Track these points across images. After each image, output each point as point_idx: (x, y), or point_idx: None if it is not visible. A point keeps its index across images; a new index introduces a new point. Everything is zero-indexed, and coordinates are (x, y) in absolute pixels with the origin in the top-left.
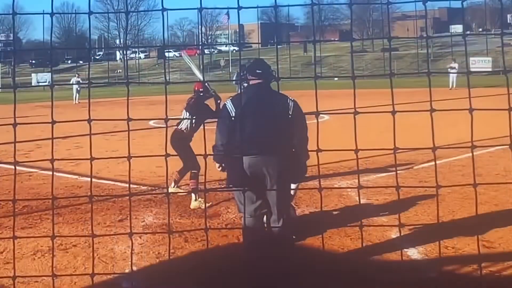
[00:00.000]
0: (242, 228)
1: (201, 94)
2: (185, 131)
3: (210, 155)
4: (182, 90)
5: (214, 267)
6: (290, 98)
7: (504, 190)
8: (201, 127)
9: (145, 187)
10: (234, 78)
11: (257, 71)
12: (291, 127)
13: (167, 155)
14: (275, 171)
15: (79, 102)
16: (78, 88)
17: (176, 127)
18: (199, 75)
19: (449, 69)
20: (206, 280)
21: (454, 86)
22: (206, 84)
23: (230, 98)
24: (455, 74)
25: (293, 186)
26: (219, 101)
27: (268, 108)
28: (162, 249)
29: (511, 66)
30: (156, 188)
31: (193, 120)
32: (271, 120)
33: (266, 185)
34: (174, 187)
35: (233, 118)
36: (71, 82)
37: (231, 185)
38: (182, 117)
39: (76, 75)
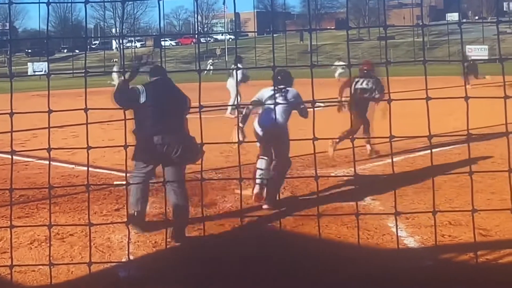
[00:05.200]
0: (130, 187)
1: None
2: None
3: (209, 143)
4: (178, 79)
5: (210, 255)
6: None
7: (501, 178)
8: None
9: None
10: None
11: (157, 72)
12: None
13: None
14: (177, 148)
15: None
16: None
17: None
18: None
19: (336, 66)
20: (203, 269)
21: (337, 76)
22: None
23: (142, 85)
24: (340, 69)
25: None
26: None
27: (172, 98)
28: (158, 238)
29: (507, 54)
30: (153, 177)
31: None
32: (174, 107)
33: (167, 160)
34: None
35: (141, 100)
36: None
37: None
38: None
39: None
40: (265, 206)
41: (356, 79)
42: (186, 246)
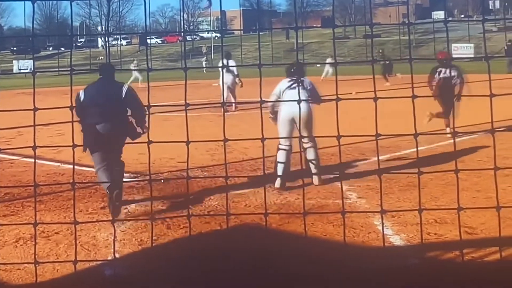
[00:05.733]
0: (97, 175)
1: None
2: None
3: (196, 141)
4: (164, 77)
5: (196, 253)
6: (125, 85)
7: (486, 176)
8: None
9: (127, 174)
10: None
11: (103, 71)
12: (126, 104)
13: (149, 142)
14: (114, 132)
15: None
16: None
17: None
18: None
19: (327, 64)
20: (189, 267)
21: (323, 76)
22: None
23: (83, 89)
24: (331, 68)
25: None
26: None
27: (108, 94)
28: (144, 236)
29: (492, 53)
30: (139, 175)
31: None
32: (111, 100)
33: (111, 144)
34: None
35: (81, 100)
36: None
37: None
38: None
39: None
40: (316, 183)
41: (439, 69)
42: (172, 245)
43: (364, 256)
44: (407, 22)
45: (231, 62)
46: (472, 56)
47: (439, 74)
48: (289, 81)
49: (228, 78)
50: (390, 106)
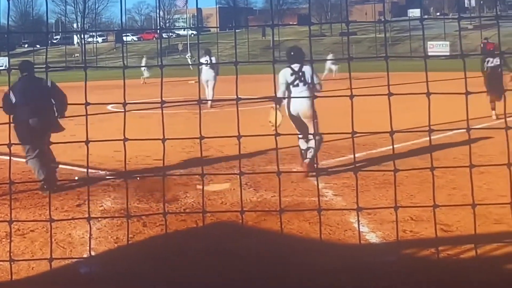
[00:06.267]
0: (29, 162)
1: None
2: None
3: (171, 138)
4: (140, 74)
5: (172, 251)
6: (49, 80)
7: (462, 174)
8: None
9: (103, 172)
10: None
11: (25, 69)
12: (52, 96)
13: (125, 139)
14: (44, 125)
15: None
16: None
17: None
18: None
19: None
20: (164, 265)
21: (334, 73)
22: None
23: (10, 87)
24: (334, 66)
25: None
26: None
27: (36, 90)
28: (120, 234)
29: (468, 50)
30: (115, 172)
31: None
32: (39, 95)
33: (42, 136)
34: None
35: (13, 102)
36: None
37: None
38: None
39: None
40: (300, 168)
41: (487, 59)
42: (148, 242)
43: (341, 253)
44: (383, 19)
45: (213, 59)
46: (448, 53)
47: (487, 64)
48: (292, 73)
49: (209, 74)
50: (367, 104)
